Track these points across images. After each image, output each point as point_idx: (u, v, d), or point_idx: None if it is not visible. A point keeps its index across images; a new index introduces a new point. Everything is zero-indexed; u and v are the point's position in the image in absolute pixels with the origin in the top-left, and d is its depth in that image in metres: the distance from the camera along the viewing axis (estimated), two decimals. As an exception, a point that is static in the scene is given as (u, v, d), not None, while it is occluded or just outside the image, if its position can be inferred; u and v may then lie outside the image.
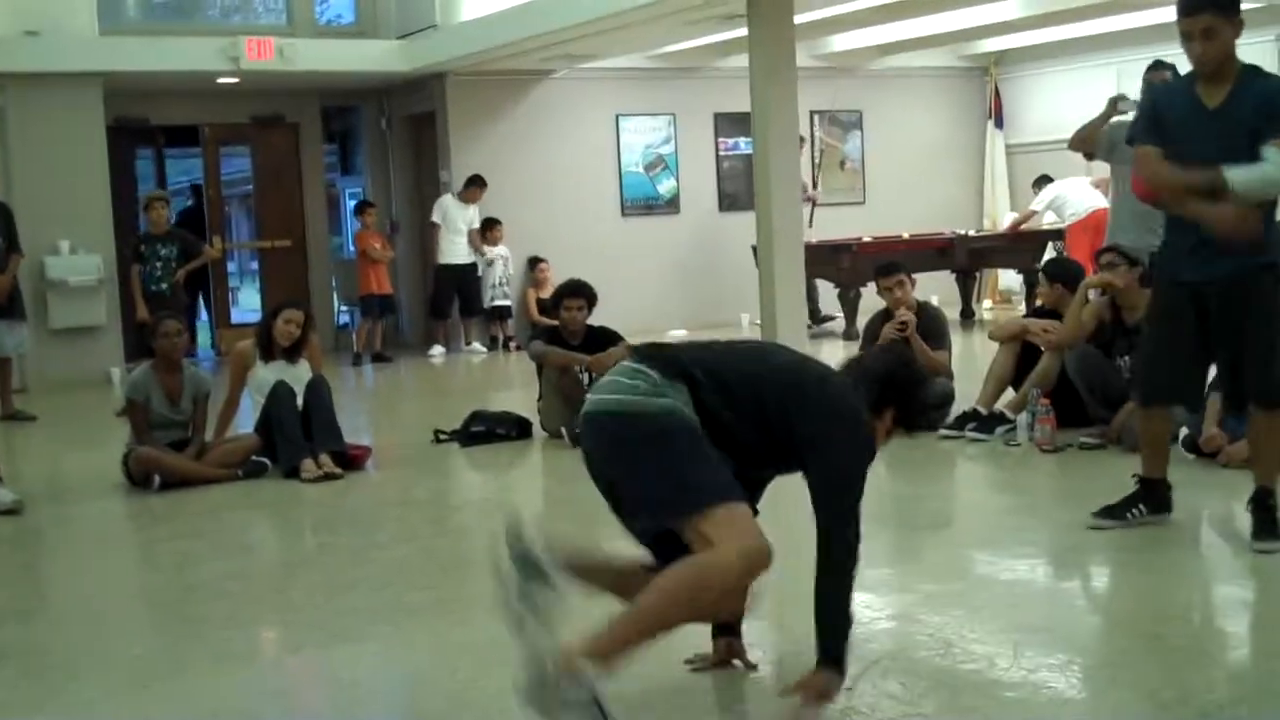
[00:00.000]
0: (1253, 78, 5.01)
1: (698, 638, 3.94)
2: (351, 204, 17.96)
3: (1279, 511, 5.12)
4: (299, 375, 7.83)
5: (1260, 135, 4.86)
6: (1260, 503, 5.15)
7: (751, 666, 3.97)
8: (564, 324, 8.43)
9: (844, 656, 3.58)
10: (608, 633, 3.42)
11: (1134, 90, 8.41)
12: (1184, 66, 7.94)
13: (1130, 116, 7.68)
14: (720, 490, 3.50)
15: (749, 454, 3.66)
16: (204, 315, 16.04)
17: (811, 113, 15.79)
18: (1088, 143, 8.52)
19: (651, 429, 3.57)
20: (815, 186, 15.39)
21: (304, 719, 4.08)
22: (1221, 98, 4.99)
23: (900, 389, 3.85)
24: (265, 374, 7.83)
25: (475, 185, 14.20)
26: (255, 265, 17.08)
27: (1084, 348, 7.42)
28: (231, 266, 17.97)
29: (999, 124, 16.91)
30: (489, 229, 14.44)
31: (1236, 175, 4.83)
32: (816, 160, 15.97)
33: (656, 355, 3.70)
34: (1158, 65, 7.86)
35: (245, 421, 8.10)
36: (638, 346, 3.86)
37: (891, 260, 9.07)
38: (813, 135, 16.03)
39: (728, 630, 3.97)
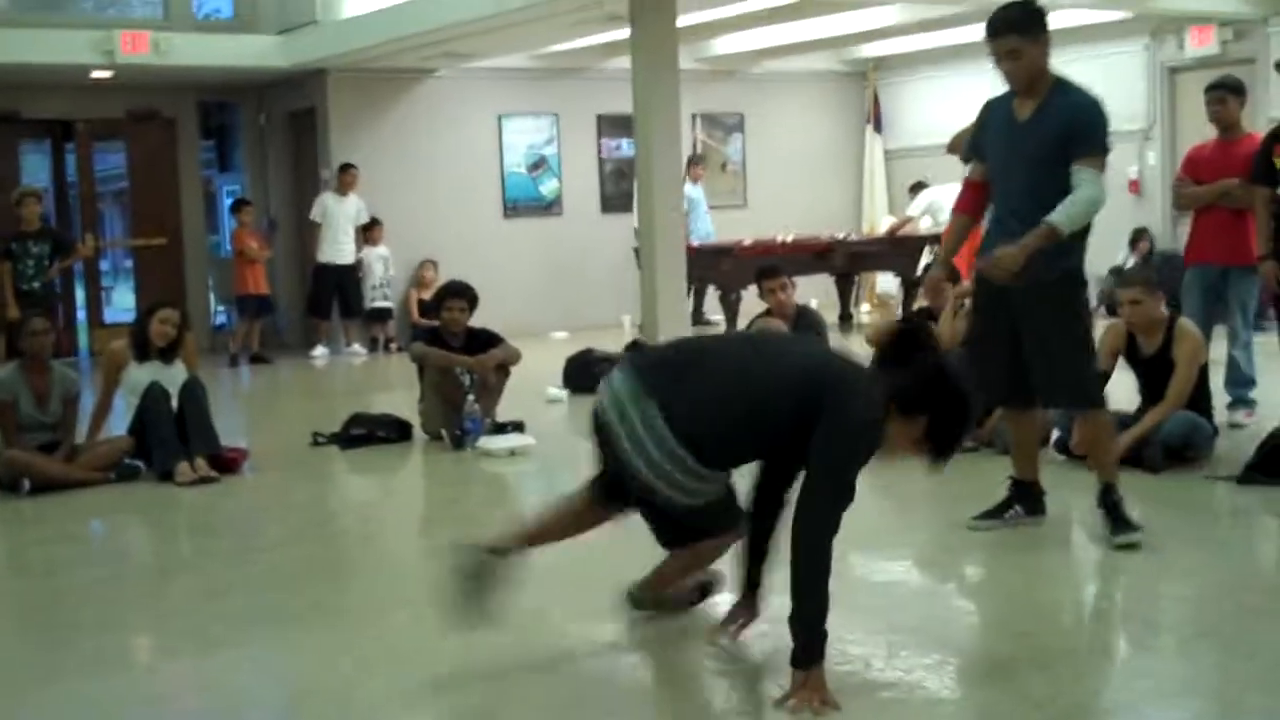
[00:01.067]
0: (1061, 93, 5.17)
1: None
2: (229, 202, 17.70)
3: (1123, 505, 5.29)
4: (174, 376, 7.71)
5: (1065, 150, 5.04)
6: (1105, 499, 5.31)
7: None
8: (445, 325, 8.39)
9: (811, 651, 3.68)
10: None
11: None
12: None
13: None
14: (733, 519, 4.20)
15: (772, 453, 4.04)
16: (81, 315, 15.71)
17: (694, 115, 15.88)
18: (962, 147, 8.66)
19: (689, 488, 3.91)
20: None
21: (178, 727, 4.03)
22: (1030, 111, 5.17)
23: (946, 401, 3.82)
24: (139, 375, 7.70)
25: (346, 171, 14.08)
26: (130, 264, 16.77)
27: (958, 351, 7.53)
28: (105, 265, 17.63)
29: (878, 129, 17.14)
30: (369, 229, 14.33)
31: (1062, 219, 4.99)
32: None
33: (692, 439, 3.82)
34: None
35: (118, 423, 7.95)
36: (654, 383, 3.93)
37: (773, 263, 9.16)
38: (694, 138, 16.13)
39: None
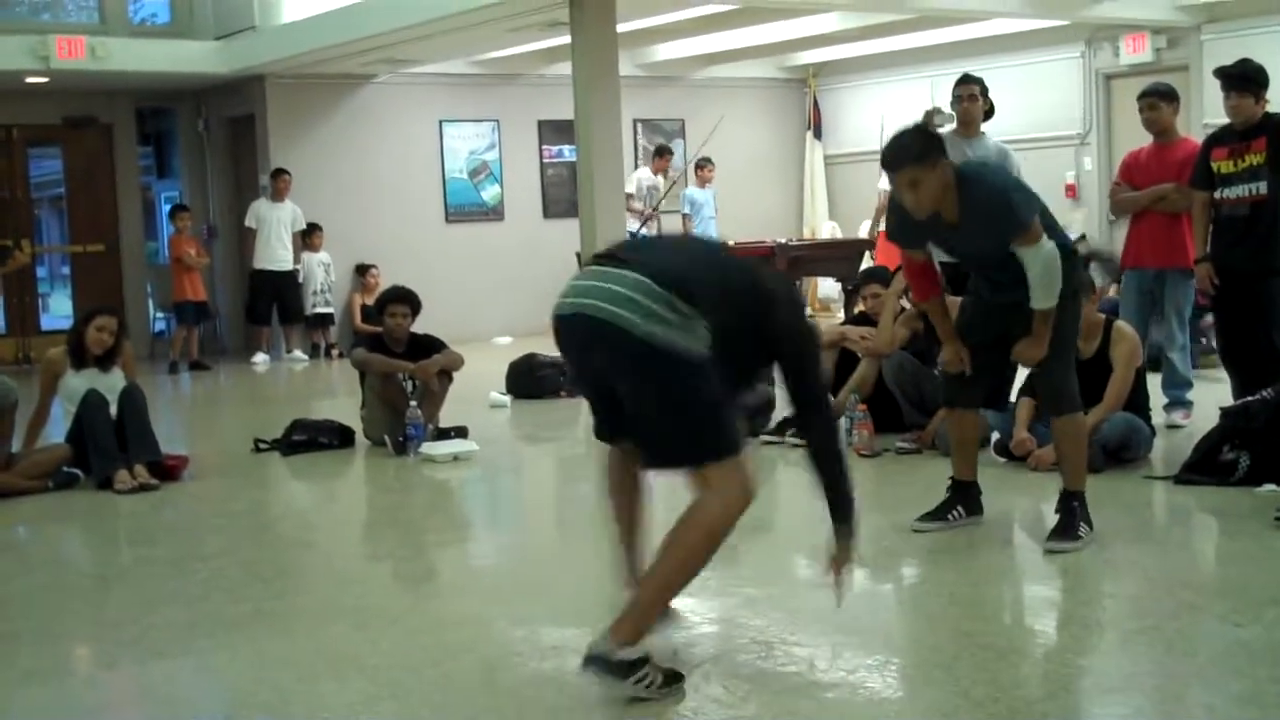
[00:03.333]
0: (968, 190, 5.12)
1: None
2: (167, 208, 17.55)
3: (1078, 515, 5.33)
4: (112, 384, 7.64)
5: (1002, 236, 5.12)
6: (1063, 504, 5.36)
7: None
8: (387, 331, 8.36)
9: (851, 516, 4.13)
10: (634, 616, 3.78)
11: (946, 103, 8.61)
12: (992, 81, 8.20)
13: (947, 129, 7.93)
14: (732, 443, 3.79)
15: (734, 358, 3.86)
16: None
17: (635, 121, 15.91)
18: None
19: (681, 374, 3.71)
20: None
21: (119, 736, 3.99)
22: (956, 215, 5.15)
23: None
24: (77, 382, 7.62)
25: (279, 177, 14.01)
26: (66, 270, 16.59)
27: (900, 355, 7.61)
28: (41, 271, 17.42)
29: (818, 135, 17.23)
30: (310, 235, 14.25)
31: (1044, 300, 5.13)
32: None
33: (675, 281, 3.75)
34: (965, 79, 8.08)
35: (56, 431, 7.87)
36: (624, 255, 3.94)
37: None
38: (635, 144, 16.15)
39: None
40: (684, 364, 3.69)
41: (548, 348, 11.01)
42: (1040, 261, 5.07)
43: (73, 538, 6.85)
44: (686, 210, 15.01)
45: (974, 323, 5.53)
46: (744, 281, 3.97)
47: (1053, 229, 5.27)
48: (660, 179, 14.91)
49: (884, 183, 13.62)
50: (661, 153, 15.09)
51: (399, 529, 6.62)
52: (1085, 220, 14.17)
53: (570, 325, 3.89)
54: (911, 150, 5.05)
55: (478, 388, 9.86)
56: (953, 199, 5.10)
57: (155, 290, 15.86)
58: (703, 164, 15.07)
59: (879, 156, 5.28)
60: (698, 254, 4.11)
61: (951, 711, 3.68)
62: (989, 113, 8.06)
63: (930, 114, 8.30)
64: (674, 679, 3.84)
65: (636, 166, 15.76)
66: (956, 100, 8.01)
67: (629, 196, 14.94)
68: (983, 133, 8.00)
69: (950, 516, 5.62)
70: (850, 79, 16.98)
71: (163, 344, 15.24)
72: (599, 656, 3.73)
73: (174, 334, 14.39)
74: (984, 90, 8.01)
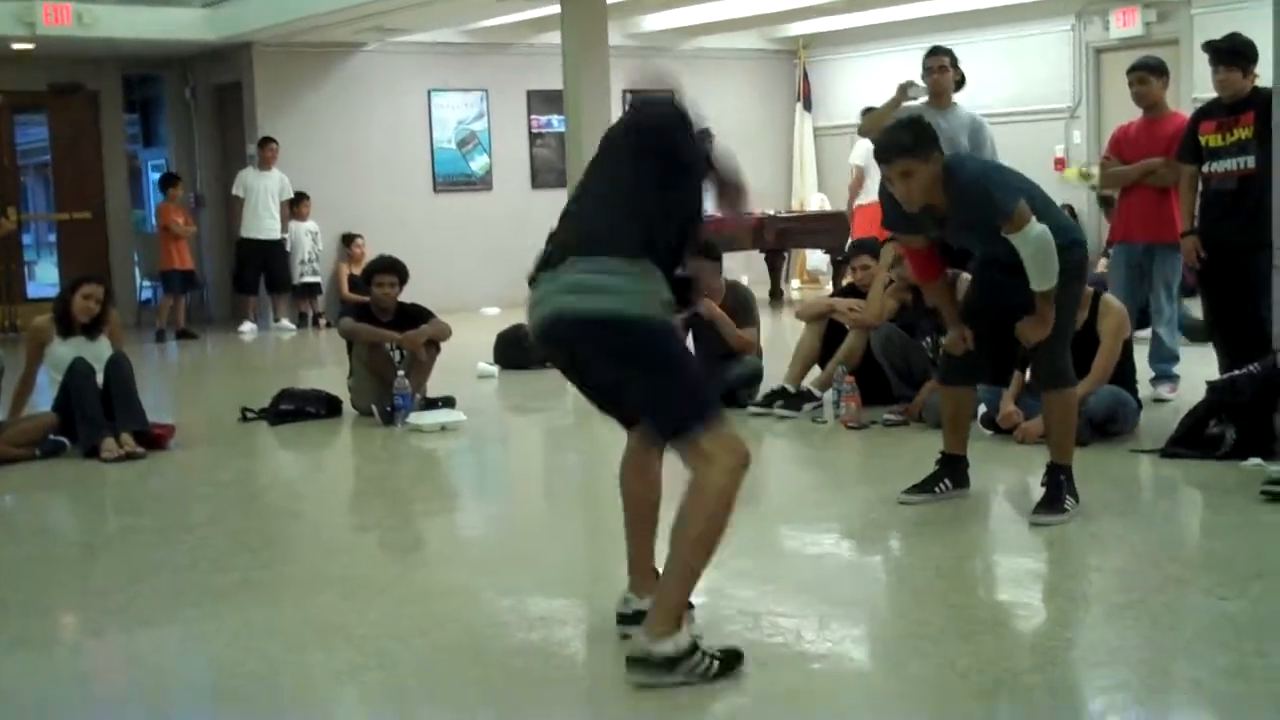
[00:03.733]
0: (951, 180, 5.15)
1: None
2: (155, 176, 17.49)
3: (1064, 488, 5.34)
4: (99, 352, 7.61)
5: (989, 224, 5.11)
6: (1050, 477, 5.38)
7: None
8: (375, 301, 8.34)
9: None
10: (663, 608, 3.66)
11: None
12: (982, 53, 8.16)
13: (920, 101, 7.92)
14: (708, 403, 3.71)
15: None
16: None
17: (624, 91, 15.85)
18: (876, 129, 8.74)
19: (645, 338, 3.70)
20: None
21: (106, 704, 3.99)
22: (945, 206, 5.19)
23: None
24: (63, 350, 7.59)
25: (266, 146, 13.94)
26: (53, 238, 16.53)
27: (888, 327, 7.61)
28: (28, 239, 17.36)
29: (807, 106, 17.18)
30: (297, 203, 14.20)
31: (1043, 281, 5.12)
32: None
33: (619, 240, 3.76)
34: (935, 51, 8.06)
35: (43, 400, 7.85)
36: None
37: (707, 241, 9.10)
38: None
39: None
40: (636, 327, 3.68)
41: (536, 318, 11.06)
42: (1031, 244, 5.07)
43: (59, 506, 6.84)
44: None
45: (981, 303, 5.53)
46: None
47: (1047, 210, 5.27)
48: None
49: (856, 156, 13.72)
50: None
51: (386, 499, 6.61)
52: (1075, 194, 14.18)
53: (545, 336, 3.88)
54: (903, 142, 5.08)
55: (465, 358, 9.85)
56: (940, 191, 5.13)
57: (142, 258, 15.80)
58: None
59: (876, 152, 5.26)
60: (603, 194, 4.02)
61: (938, 683, 3.69)
62: (960, 83, 8.05)
63: (904, 87, 8.26)
64: (732, 660, 3.74)
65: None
66: (927, 72, 8.00)
67: None
68: (955, 104, 8.00)
69: (938, 489, 5.63)
70: (841, 51, 16.92)
71: (149, 312, 15.20)
72: (638, 658, 3.64)
73: (161, 302, 14.35)
74: (954, 61, 8.00)
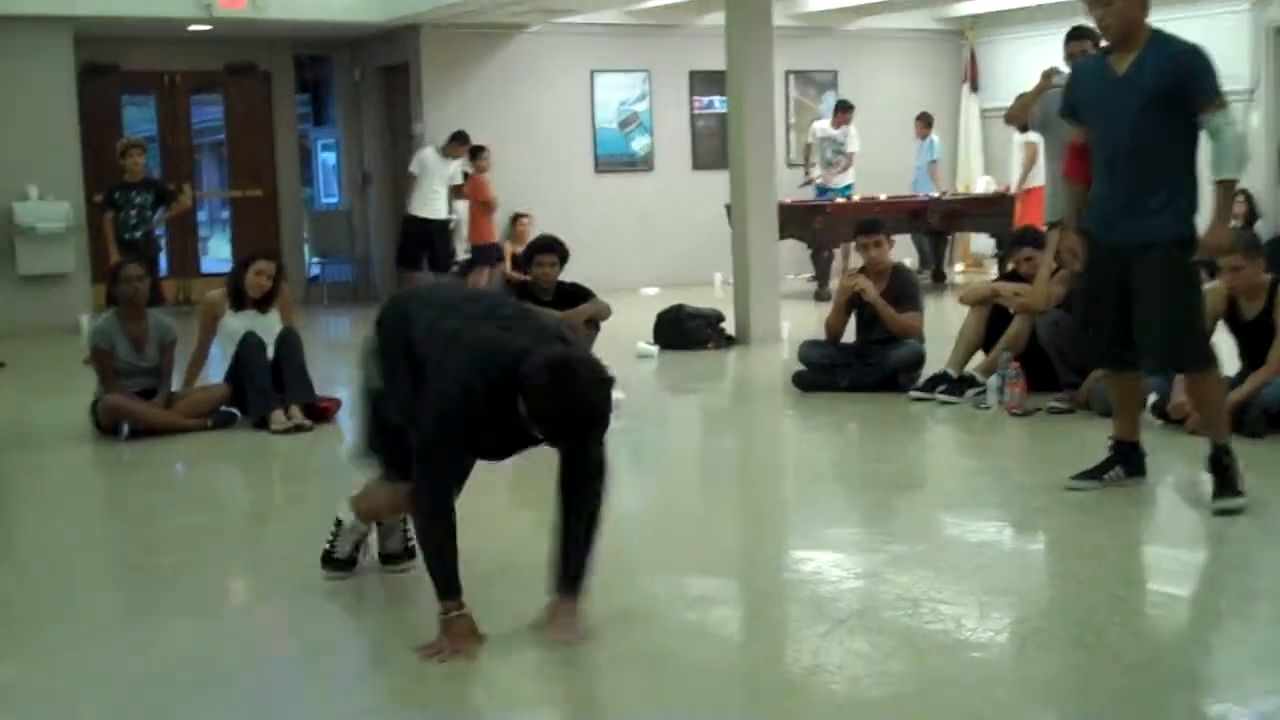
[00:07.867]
0: (1159, 44, 5.12)
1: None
2: (323, 155, 17.86)
3: (1234, 469, 5.19)
4: (269, 326, 7.80)
5: (1171, 101, 5.00)
6: (1215, 462, 5.22)
7: None
8: (535, 280, 8.39)
9: (584, 579, 3.98)
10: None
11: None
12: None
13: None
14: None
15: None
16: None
17: (786, 72, 15.77)
18: (1022, 115, 8.58)
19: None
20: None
21: (269, 668, 4.09)
22: (1128, 65, 5.11)
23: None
24: (235, 324, 7.79)
25: (457, 142, 14.04)
26: (226, 215, 16.97)
27: (1055, 313, 7.46)
28: (202, 215, 17.84)
29: (974, 88, 16.90)
30: (462, 185, 14.32)
31: (1230, 169, 5.00)
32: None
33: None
34: (1076, 33, 7.84)
35: (215, 372, 8.06)
36: None
37: (874, 218, 9.02)
38: (787, 96, 16.04)
39: None
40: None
41: (695, 298, 11.07)
42: (1230, 133, 5.00)
43: (229, 475, 7.03)
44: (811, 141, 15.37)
45: (1095, 287, 5.37)
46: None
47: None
48: (839, 133, 14.95)
49: (1031, 133, 13.44)
50: (843, 108, 15.07)
51: (538, 477, 6.64)
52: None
53: None
54: None
55: (625, 338, 9.88)
56: (1137, 44, 5.08)
57: (312, 236, 16.12)
58: (844, 108, 15.02)
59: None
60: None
61: (1102, 676, 3.61)
62: None
63: (1048, 73, 8.08)
64: None
65: (788, 118, 15.68)
66: (1069, 57, 7.79)
67: (807, 146, 15.43)
68: None
69: (1106, 477, 5.49)
70: (1008, 31, 16.60)
71: (318, 288, 15.50)
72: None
73: (473, 274, 14.37)
74: (1096, 43, 7.77)
